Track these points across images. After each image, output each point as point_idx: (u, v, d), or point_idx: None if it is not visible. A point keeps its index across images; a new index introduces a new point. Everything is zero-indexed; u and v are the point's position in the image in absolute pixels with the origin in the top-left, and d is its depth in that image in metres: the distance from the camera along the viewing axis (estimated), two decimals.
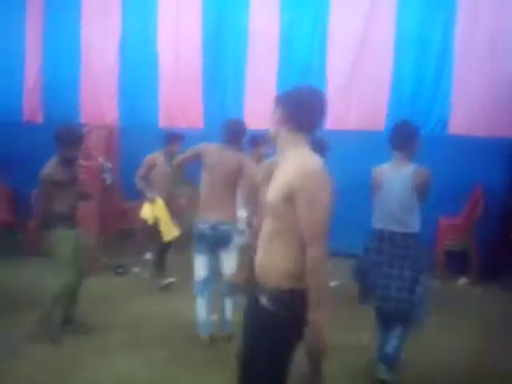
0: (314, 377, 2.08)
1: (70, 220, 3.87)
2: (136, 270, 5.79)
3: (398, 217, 3.30)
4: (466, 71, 5.97)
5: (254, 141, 4.51)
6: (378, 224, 3.38)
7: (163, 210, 5.02)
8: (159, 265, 5.28)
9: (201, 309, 3.89)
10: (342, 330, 3.75)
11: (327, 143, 3.68)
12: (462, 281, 5.84)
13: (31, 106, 7.41)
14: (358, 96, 6.35)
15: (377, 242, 3.36)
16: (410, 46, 6.12)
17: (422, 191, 3.33)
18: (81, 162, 4.79)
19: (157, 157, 5.20)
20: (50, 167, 3.77)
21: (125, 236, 6.44)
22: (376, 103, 6.26)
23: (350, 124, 6.35)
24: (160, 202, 5.00)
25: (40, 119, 7.37)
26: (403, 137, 3.39)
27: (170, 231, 5.03)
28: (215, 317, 4.04)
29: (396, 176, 3.35)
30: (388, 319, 3.37)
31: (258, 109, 6.27)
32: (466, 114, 6.02)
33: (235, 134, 3.91)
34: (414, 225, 3.32)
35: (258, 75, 6.63)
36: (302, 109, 2.05)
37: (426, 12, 6.06)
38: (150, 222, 5.04)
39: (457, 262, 5.89)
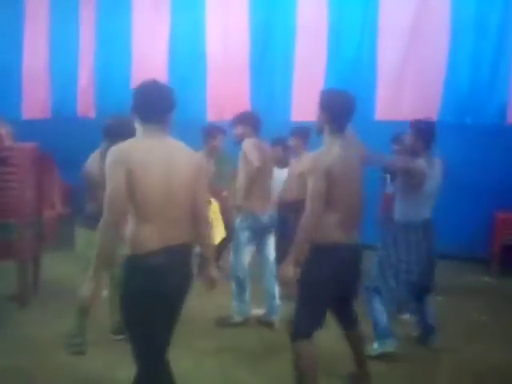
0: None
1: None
2: None
3: (429, 206, 3.64)
4: None
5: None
6: (416, 217, 3.56)
7: (217, 213, 4.82)
8: (202, 263, 5.32)
9: (247, 294, 4.15)
10: None
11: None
12: None
13: (85, 102, 7.62)
14: (411, 85, 6.11)
15: (410, 234, 3.55)
16: (466, 31, 5.80)
17: None
18: None
19: None
20: (93, 160, 3.54)
21: None
22: (430, 92, 6.00)
23: (401, 114, 6.14)
24: (214, 203, 4.83)
25: (92, 115, 7.58)
26: (435, 132, 3.64)
27: (217, 235, 4.74)
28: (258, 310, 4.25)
29: (433, 172, 3.56)
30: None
31: (307, 101, 6.17)
32: None
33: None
34: None
35: (306, 68, 6.52)
36: (135, 102, 2.37)
37: None
38: None
39: None
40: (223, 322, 4.10)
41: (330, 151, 2.72)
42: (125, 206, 2.17)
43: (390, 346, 3.56)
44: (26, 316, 4.17)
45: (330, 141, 2.76)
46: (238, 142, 4.20)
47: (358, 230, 2.89)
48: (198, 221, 2.45)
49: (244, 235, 4.03)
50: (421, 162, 3.50)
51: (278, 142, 5.02)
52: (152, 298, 2.25)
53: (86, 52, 7.55)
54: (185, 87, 7.09)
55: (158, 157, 2.24)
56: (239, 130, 4.13)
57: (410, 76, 6.12)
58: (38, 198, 4.66)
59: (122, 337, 3.72)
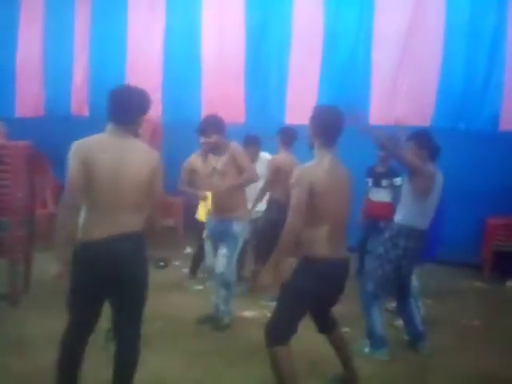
0: None
1: None
2: (176, 263, 5.86)
3: (430, 217, 3.68)
4: None
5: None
6: (420, 225, 3.62)
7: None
8: (194, 265, 5.31)
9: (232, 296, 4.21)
10: None
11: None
12: (511, 283, 5.62)
13: (78, 100, 7.59)
14: (405, 91, 6.15)
15: (410, 240, 3.59)
16: (459, 38, 5.85)
17: None
18: None
19: (194, 160, 4.89)
20: None
21: (166, 230, 6.53)
22: (423, 98, 6.05)
23: (395, 120, 6.18)
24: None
25: (86, 113, 7.55)
26: (435, 141, 3.75)
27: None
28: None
29: (439, 181, 3.65)
30: None
31: (301, 105, 6.19)
32: None
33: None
34: None
35: (300, 71, 6.54)
36: (108, 103, 2.56)
37: (478, 1, 5.80)
38: (204, 219, 4.75)
39: (506, 264, 5.67)
40: (215, 325, 4.06)
41: (318, 165, 2.76)
42: (80, 190, 2.42)
43: (381, 355, 3.61)
44: (17, 315, 4.14)
45: (320, 154, 2.80)
46: (210, 150, 4.07)
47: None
48: (150, 211, 2.72)
49: (242, 241, 4.08)
50: (431, 166, 3.59)
51: (252, 140, 5.11)
52: (98, 284, 2.49)
53: (81, 51, 7.52)
54: (180, 87, 7.09)
55: (113, 152, 2.49)
56: (214, 139, 3.96)
57: (404, 82, 6.15)
58: (30, 197, 4.64)
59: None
